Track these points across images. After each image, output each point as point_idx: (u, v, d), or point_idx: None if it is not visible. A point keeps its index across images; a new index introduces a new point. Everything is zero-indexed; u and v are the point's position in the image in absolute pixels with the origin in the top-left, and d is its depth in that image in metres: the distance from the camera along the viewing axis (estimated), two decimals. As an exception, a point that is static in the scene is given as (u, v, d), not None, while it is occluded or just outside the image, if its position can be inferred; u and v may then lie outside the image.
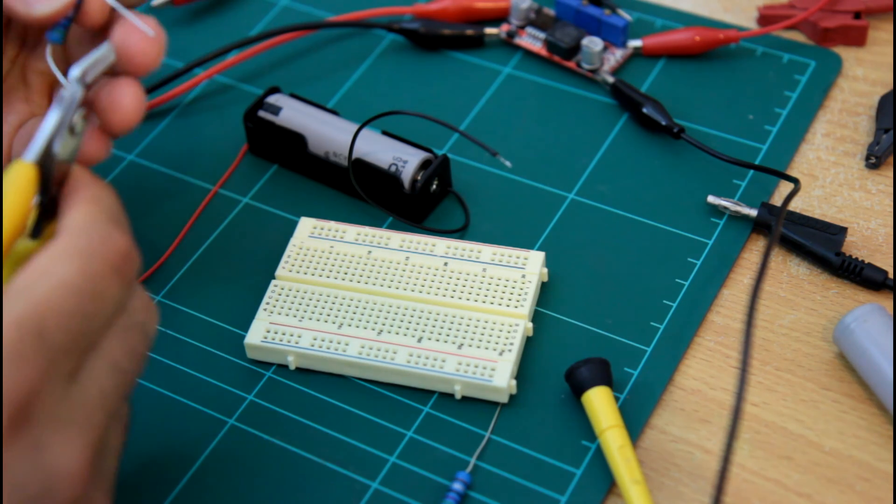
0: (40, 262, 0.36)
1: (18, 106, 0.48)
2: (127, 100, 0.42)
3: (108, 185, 0.40)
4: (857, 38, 0.61)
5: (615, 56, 0.61)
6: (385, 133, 0.55)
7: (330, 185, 0.57)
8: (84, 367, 0.38)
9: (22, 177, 0.35)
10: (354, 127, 0.55)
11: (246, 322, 0.51)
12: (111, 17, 0.43)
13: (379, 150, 0.54)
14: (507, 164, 0.55)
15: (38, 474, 0.36)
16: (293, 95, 0.57)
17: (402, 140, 0.55)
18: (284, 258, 0.52)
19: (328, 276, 0.52)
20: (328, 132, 0.55)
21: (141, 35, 0.42)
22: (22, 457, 0.35)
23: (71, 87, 0.38)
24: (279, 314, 0.50)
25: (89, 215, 0.38)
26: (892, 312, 0.50)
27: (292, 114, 0.56)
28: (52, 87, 0.49)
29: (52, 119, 0.37)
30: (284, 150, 0.57)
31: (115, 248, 0.38)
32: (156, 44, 0.42)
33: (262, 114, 0.57)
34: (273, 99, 0.57)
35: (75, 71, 0.39)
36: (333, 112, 0.57)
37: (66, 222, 0.38)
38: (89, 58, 0.40)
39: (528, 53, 0.62)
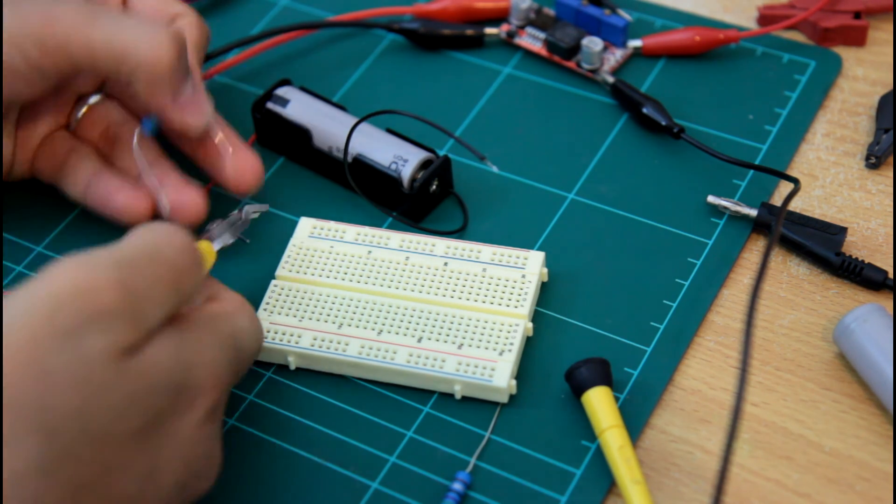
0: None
1: (47, 118, 0.53)
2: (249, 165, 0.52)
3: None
4: (857, 38, 0.61)
5: (615, 56, 0.61)
6: (389, 131, 0.55)
7: (333, 180, 0.57)
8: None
9: (209, 255, 0.49)
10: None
11: (246, 322, 0.51)
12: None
13: (381, 147, 0.54)
14: (494, 168, 0.55)
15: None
16: (303, 89, 0.57)
17: (406, 139, 0.55)
18: (284, 258, 0.52)
19: (328, 276, 0.52)
20: (332, 127, 0.55)
21: (247, 165, 0.52)
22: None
23: (244, 216, 0.52)
24: (279, 314, 0.50)
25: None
26: (892, 312, 0.50)
27: (299, 107, 0.56)
28: (81, 99, 0.54)
29: (222, 240, 0.51)
30: (290, 143, 0.57)
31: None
32: (256, 176, 0.52)
33: (270, 105, 0.57)
34: (282, 91, 0.57)
35: (248, 209, 0.52)
36: (341, 107, 0.56)
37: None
38: (258, 206, 0.53)
39: (528, 53, 0.62)
